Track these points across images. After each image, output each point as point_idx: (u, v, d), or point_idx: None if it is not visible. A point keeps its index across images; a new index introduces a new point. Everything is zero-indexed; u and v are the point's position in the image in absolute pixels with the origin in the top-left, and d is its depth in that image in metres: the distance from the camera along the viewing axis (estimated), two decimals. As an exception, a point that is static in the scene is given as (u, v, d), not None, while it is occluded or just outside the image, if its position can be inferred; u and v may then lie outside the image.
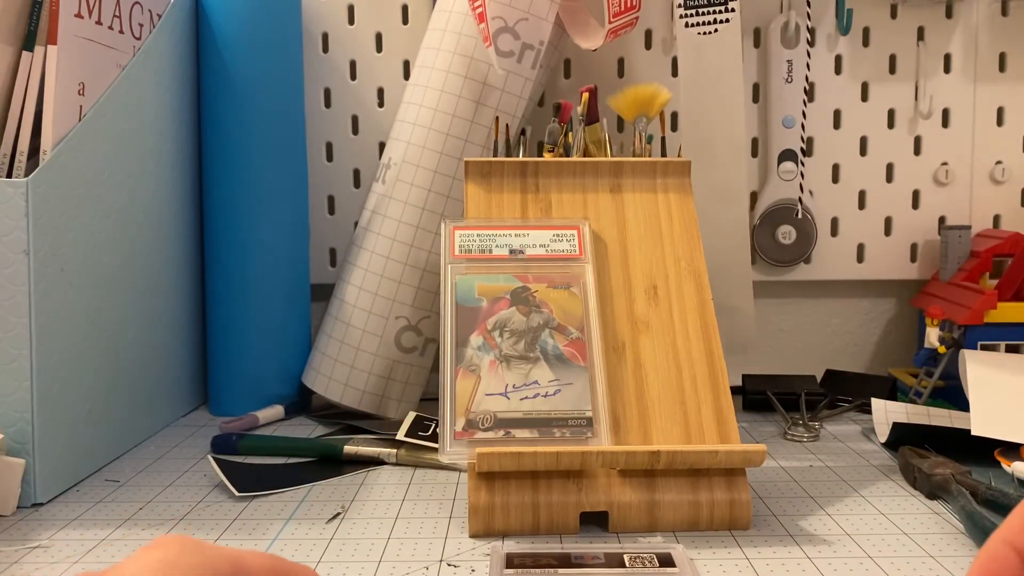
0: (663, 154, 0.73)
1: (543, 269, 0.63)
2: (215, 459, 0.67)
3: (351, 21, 0.94)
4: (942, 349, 0.79)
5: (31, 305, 0.60)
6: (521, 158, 0.71)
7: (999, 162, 0.93)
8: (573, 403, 0.57)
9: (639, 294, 0.63)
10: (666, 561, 0.50)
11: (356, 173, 0.95)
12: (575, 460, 0.55)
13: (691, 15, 0.81)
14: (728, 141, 0.82)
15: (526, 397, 0.57)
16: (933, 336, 0.79)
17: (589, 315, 0.61)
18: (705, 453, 0.55)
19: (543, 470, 0.56)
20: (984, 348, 0.78)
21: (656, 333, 0.62)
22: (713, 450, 0.55)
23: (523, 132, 0.79)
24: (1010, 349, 0.79)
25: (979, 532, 0.53)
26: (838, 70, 0.93)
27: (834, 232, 0.94)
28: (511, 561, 0.50)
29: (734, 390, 0.85)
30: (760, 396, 0.85)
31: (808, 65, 0.89)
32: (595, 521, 0.57)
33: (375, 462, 0.70)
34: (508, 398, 0.57)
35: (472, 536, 0.56)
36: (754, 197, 0.93)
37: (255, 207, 0.83)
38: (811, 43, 0.89)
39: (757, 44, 0.93)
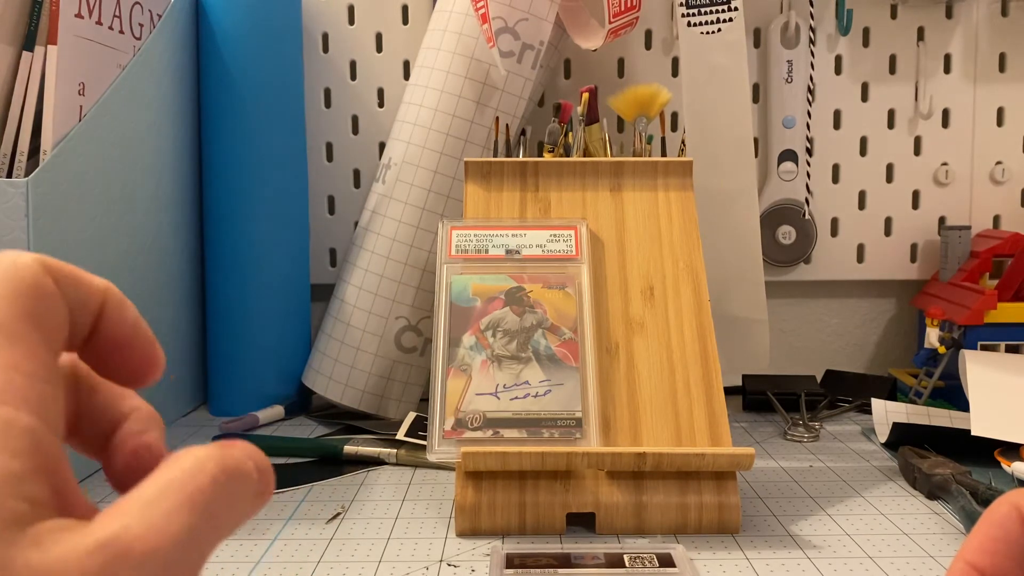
0: (663, 154, 0.73)
1: (539, 269, 0.63)
2: (215, 459, 0.67)
3: (351, 21, 0.94)
4: (942, 349, 0.79)
5: (31, 305, 0.60)
6: (521, 158, 0.71)
7: (999, 162, 0.93)
8: (563, 404, 0.57)
9: (635, 295, 0.63)
10: (666, 561, 0.50)
11: (356, 173, 0.95)
12: (560, 461, 0.55)
13: (693, 15, 0.80)
14: (735, 142, 0.81)
15: (516, 397, 0.57)
16: (933, 336, 0.79)
17: (583, 316, 0.61)
18: (692, 456, 0.55)
19: (530, 470, 0.56)
20: (984, 348, 0.78)
21: (651, 334, 0.62)
22: (700, 453, 0.55)
23: (523, 132, 0.79)
24: (1010, 349, 0.79)
25: (979, 532, 0.52)
26: (838, 70, 0.93)
27: (834, 232, 0.94)
28: (511, 561, 0.50)
29: (734, 390, 0.85)
30: (760, 396, 0.85)
31: (813, 65, 0.89)
32: (583, 522, 0.57)
33: (375, 462, 0.70)
34: (498, 398, 0.57)
35: (459, 535, 0.56)
36: (754, 197, 0.93)
37: (255, 207, 0.83)
38: (812, 43, 0.89)
39: (757, 44, 0.93)
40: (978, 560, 0.25)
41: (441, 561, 0.52)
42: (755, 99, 0.93)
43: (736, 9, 0.80)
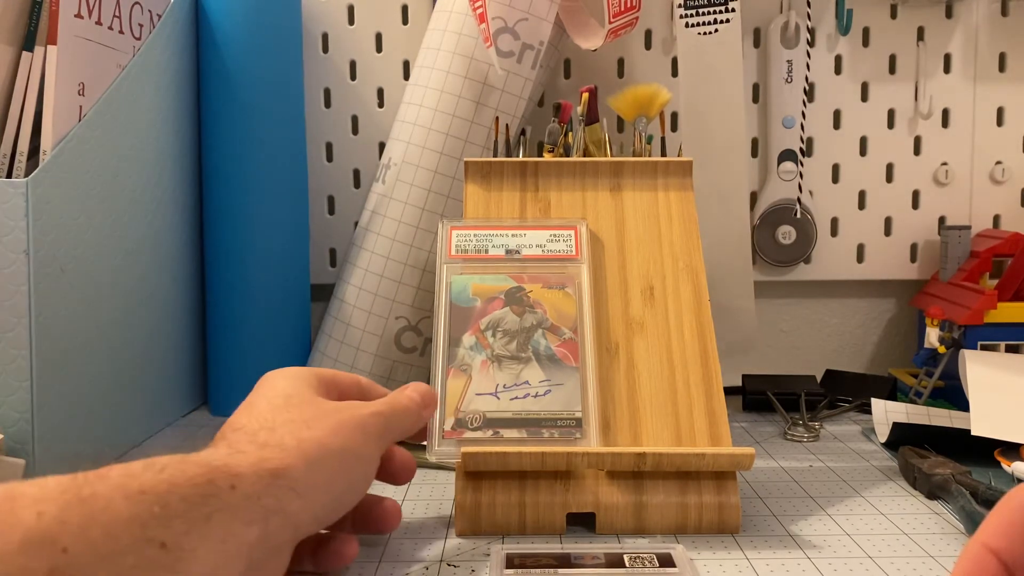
0: (663, 154, 0.73)
1: (539, 269, 0.63)
2: (215, 459, 0.67)
3: (351, 21, 0.94)
4: (942, 349, 0.79)
5: (31, 305, 0.60)
6: (521, 158, 0.71)
7: (999, 162, 0.93)
8: (563, 404, 0.57)
9: (635, 295, 0.63)
10: (666, 561, 0.50)
11: (356, 173, 0.95)
12: (561, 461, 0.55)
13: (691, 15, 0.81)
14: (728, 141, 0.82)
15: (516, 397, 0.57)
16: (933, 336, 0.79)
17: (583, 316, 0.61)
18: (692, 455, 0.55)
19: (530, 470, 0.56)
20: (984, 348, 0.78)
21: (651, 334, 0.62)
22: (700, 453, 0.55)
23: (523, 132, 0.79)
24: (1010, 349, 0.79)
25: (979, 532, 0.52)
26: (838, 70, 0.93)
27: (834, 232, 0.94)
28: (511, 561, 0.50)
29: (734, 390, 0.85)
30: (760, 396, 0.85)
31: (808, 65, 0.89)
32: (583, 522, 0.57)
33: (375, 462, 0.70)
34: (498, 398, 0.57)
35: (459, 535, 0.56)
36: (754, 197, 0.93)
37: (255, 207, 0.83)
38: (811, 43, 0.89)
39: (757, 44, 0.93)
40: (994, 542, 0.26)
41: (441, 561, 0.52)
42: (755, 99, 0.93)
43: (734, 10, 0.80)
